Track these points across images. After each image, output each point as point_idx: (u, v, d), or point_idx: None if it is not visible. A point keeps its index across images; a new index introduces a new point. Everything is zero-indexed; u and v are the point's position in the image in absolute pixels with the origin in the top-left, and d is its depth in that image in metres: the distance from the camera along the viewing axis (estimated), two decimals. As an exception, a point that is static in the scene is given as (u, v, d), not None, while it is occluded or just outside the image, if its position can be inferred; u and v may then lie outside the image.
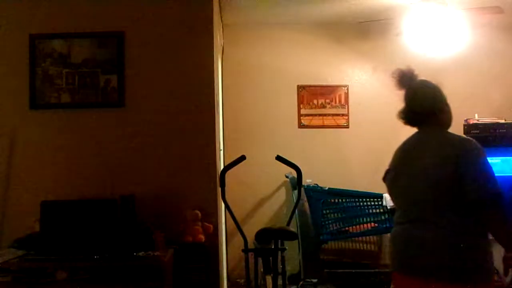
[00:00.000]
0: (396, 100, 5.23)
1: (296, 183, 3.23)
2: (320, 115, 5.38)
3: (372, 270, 4.91)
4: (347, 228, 4.94)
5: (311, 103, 5.38)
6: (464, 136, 2.39)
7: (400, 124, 5.65)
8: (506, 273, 2.34)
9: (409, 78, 2.57)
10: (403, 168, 2.41)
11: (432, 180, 2.21)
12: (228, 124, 5.16)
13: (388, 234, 5.03)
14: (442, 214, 2.18)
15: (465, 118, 4.89)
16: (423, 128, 2.45)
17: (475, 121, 4.83)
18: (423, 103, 2.45)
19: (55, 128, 3.66)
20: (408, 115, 2.50)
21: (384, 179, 2.51)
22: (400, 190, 2.39)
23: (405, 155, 2.47)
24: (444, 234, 2.17)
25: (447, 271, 2.15)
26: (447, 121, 2.46)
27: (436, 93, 2.47)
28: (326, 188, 4.99)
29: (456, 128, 5.21)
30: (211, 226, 3.55)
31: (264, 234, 3.10)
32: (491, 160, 3.98)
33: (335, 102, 5.39)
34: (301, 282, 4.65)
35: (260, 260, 3.06)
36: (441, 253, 2.16)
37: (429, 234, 2.18)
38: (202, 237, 3.47)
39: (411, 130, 5.95)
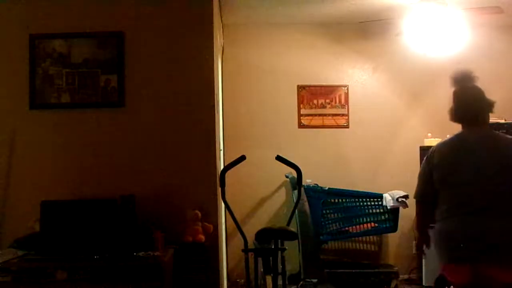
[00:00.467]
0: (395, 100, 5.36)
1: (296, 183, 3.23)
2: (320, 115, 5.38)
3: (372, 270, 4.91)
4: (347, 228, 4.95)
5: (311, 103, 5.37)
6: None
7: (399, 124, 5.70)
8: None
9: (467, 79, 2.73)
10: (463, 161, 2.57)
11: (504, 173, 2.47)
12: (228, 124, 5.16)
13: (388, 234, 5.11)
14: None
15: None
16: (472, 126, 2.65)
17: (475, 121, 4.83)
18: (480, 104, 2.66)
19: (55, 128, 3.66)
20: (461, 113, 2.67)
21: (429, 170, 2.66)
22: (463, 181, 2.53)
23: (462, 150, 2.62)
24: None
25: None
26: (489, 121, 2.71)
27: (485, 95, 2.69)
28: (326, 188, 4.99)
29: (456, 128, 5.22)
30: (211, 226, 3.55)
31: (264, 234, 3.10)
32: None
33: (335, 102, 5.39)
34: (301, 282, 4.64)
35: (260, 260, 3.06)
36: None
37: (508, 225, 2.42)
38: (202, 237, 3.47)
39: (410, 130, 5.92)
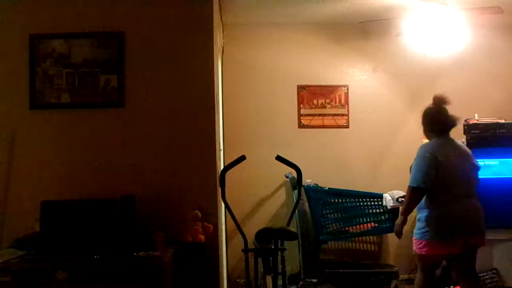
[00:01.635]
0: (395, 100, 5.34)
1: (296, 183, 3.23)
2: (320, 115, 5.38)
3: (372, 270, 4.91)
4: (347, 228, 4.94)
5: (311, 103, 5.37)
6: None
7: (399, 124, 5.72)
8: None
9: (444, 101, 3.56)
10: (454, 160, 3.43)
11: (473, 169, 3.50)
12: (228, 124, 5.16)
13: (388, 234, 5.11)
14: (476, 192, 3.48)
15: (465, 118, 4.89)
16: (445, 135, 3.53)
17: (475, 121, 4.83)
18: (453, 119, 3.53)
19: (55, 128, 3.66)
20: (442, 126, 3.53)
21: (435, 165, 3.37)
22: (455, 175, 3.41)
23: (451, 152, 3.48)
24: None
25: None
26: None
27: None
28: (326, 188, 4.99)
29: (456, 128, 5.22)
30: (211, 226, 3.55)
31: (264, 234, 3.10)
32: (490, 161, 4.48)
33: (335, 102, 5.39)
34: (301, 282, 4.65)
35: (260, 260, 3.06)
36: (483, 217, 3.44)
37: (479, 205, 3.43)
38: (202, 237, 3.47)
39: (410, 130, 5.93)
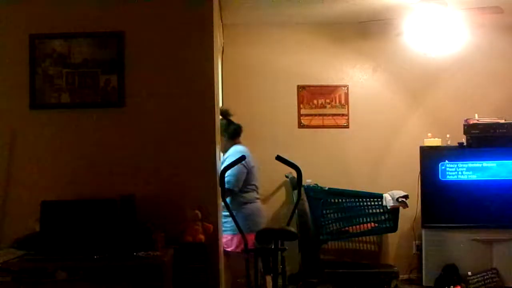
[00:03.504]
0: (395, 100, 5.32)
1: (296, 183, 3.23)
2: (320, 115, 5.38)
3: (372, 270, 4.91)
4: (347, 228, 4.95)
5: (311, 103, 5.38)
6: None
7: (399, 124, 5.74)
8: None
9: (229, 113, 4.30)
10: (254, 163, 4.11)
11: None
12: (228, 124, 5.16)
13: (388, 234, 5.11)
14: None
15: (465, 118, 4.89)
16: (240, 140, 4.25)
17: (475, 121, 4.83)
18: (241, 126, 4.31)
19: (55, 128, 3.65)
20: (238, 134, 4.27)
21: (246, 171, 4.00)
22: (256, 178, 4.08)
23: (251, 156, 4.09)
24: None
25: None
26: None
27: None
28: (326, 188, 4.99)
29: (456, 128, 5.23)
30: (211, 226, 3.55)
31: (264, 234, 3.10)
32: (487, 163, 4.52)
33: (335, 102, 5.40)
34: (301, 282, 4.65)
35: (260, 260, 3.06)
36: None
37: None
38: (202, 237, 3.47)
39: (410, 131, 5.92)
